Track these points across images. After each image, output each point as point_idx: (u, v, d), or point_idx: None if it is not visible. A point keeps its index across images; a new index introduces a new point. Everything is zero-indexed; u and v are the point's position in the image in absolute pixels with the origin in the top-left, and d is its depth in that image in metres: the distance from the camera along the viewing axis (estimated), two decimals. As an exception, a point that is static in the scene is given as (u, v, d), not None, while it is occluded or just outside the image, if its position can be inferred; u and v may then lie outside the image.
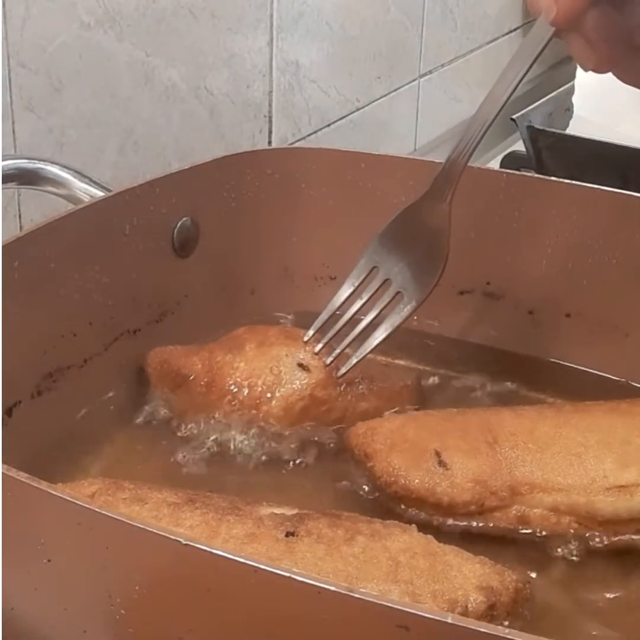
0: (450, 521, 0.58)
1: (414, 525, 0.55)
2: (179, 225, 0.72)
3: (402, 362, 0.74)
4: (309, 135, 1.07)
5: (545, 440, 0.60)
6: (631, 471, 0.58)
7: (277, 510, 0.54)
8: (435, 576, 0.51)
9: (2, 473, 0.43)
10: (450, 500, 0.58)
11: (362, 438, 0.62)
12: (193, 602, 0.41)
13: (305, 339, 0.66)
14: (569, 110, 1.05)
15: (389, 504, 0.59)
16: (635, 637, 0.53)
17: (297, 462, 0.64)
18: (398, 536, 0.53)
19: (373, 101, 1.17)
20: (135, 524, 0.41)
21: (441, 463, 0.59)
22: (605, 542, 0.58)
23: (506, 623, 0.51)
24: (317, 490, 0.62)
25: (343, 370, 0.65)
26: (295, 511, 0.54)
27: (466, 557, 0.53)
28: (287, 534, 0.51)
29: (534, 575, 0.56)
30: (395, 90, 1.20)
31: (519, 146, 1.10)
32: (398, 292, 0.64)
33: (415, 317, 0.77)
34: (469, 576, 0.51)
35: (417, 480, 0.59)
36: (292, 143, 1.04)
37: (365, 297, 0.65)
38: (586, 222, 0.72)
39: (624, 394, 0.69)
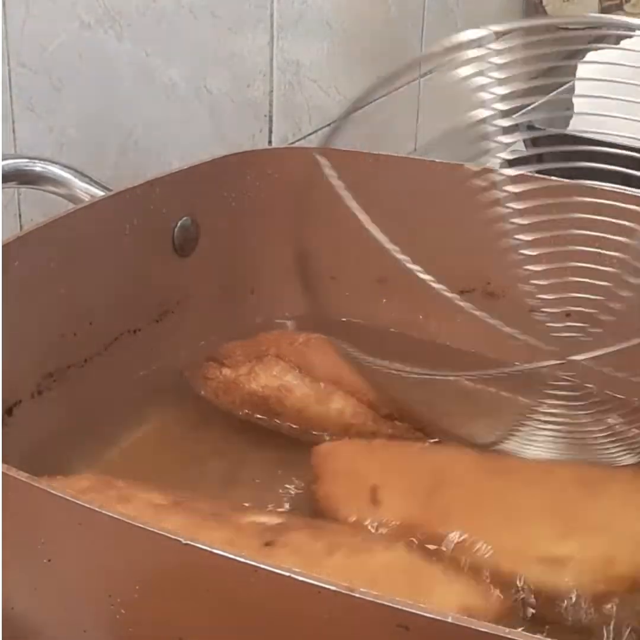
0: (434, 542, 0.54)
1: (401, 542, 0.52)
2: (179, 225, 0.72)
3: (400, 364, 0.74)
4: (309, 134, 1.07)
5: (489, 495, 0.55)
6: (565, 544, 0.52)
7: (260, 519, 0.53)
8: (414, 596, 0.49)
9: (2, 473, 0.43)
10: None
11: (320, 458, 0.60)
12: (193, 602, 0.41)
13: None
14: (569, 110, 1.04)
15: None
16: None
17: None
18: (380, 553, 0.51)
19: (373, 101, 1.17)
20: (136, 524, 0.41)
21: (374, 500, 0.55)
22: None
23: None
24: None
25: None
26: (279, 520, 0.53)
27: (450, 576, 0.50)
28: (266, 544, 0.50)
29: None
30: (395, 89, 1.20)
31: (519, 146, 1.09)
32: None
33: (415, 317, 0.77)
34: (449, 596, 0.49)
35: (344, 513, 0.55)
36: (292, 142, 1.04)
37: None
38: (586, 221, 0.72)
39: (625, 394, 0.69)
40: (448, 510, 0.54)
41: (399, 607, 0.37)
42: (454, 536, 0.53)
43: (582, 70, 1.05)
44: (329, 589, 0.38)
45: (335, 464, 0.59)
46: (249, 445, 0.65)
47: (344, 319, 0.78)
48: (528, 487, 0.56)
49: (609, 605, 0.50)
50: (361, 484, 0.57)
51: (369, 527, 0.54)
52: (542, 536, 0.52)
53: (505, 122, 0.67)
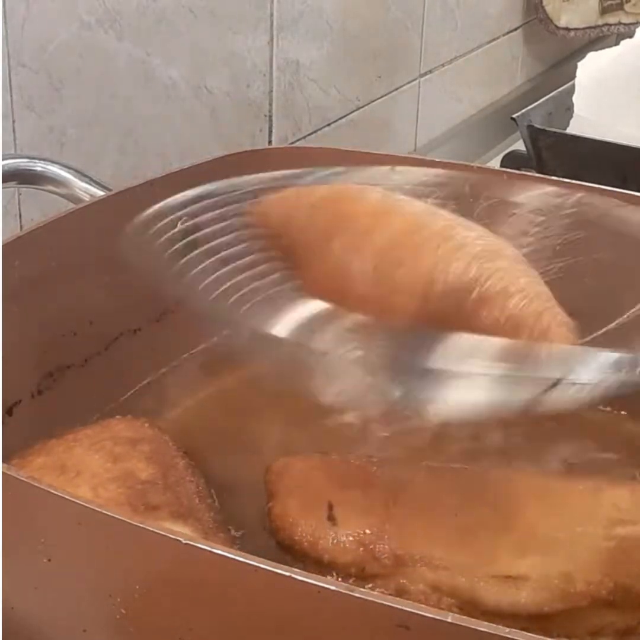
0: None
1: None
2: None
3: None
4: (309, 134, 1.07)
5: (446, 511, 0.54)
6: (523, 562, 0.51)
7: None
8: None
9: (2, 473, 0.43)
10: (331, 559, 0.52)
11: (274, 475, 0.58)
12: (193, 602, 0.41)
13: None
14: (569, 109, 1.04)
15: (277, 553, 0.54)
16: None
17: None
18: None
19: (373, 100, 1.17)
20: (136, 524, 0.41)
21: (330, 517, 0.54)
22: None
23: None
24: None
25: None
26: None
27: None
28: None
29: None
30: (395, 89, 1.20)
31: (519, 146, 1.10)
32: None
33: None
34: None
35: (301, 532, 0.53)
36: (293, 142, 1.04)
37: None
38: (586, 221, 0.72)
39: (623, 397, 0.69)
40: (404, 527, 0.53)
41: (399, 606, 0.37)
42: (411, 553, 0.52)
43: (582, 70, 1.06)
44: (329, 589, 0.38)
45: (289, 481, 0.57)
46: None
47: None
48: (484, 502, 0.54)
49: (567, 623, 0.50)
50: (316, 501, 0.55)
51: (324, 546, 0.53)
52: (499, 554, 0.51)
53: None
